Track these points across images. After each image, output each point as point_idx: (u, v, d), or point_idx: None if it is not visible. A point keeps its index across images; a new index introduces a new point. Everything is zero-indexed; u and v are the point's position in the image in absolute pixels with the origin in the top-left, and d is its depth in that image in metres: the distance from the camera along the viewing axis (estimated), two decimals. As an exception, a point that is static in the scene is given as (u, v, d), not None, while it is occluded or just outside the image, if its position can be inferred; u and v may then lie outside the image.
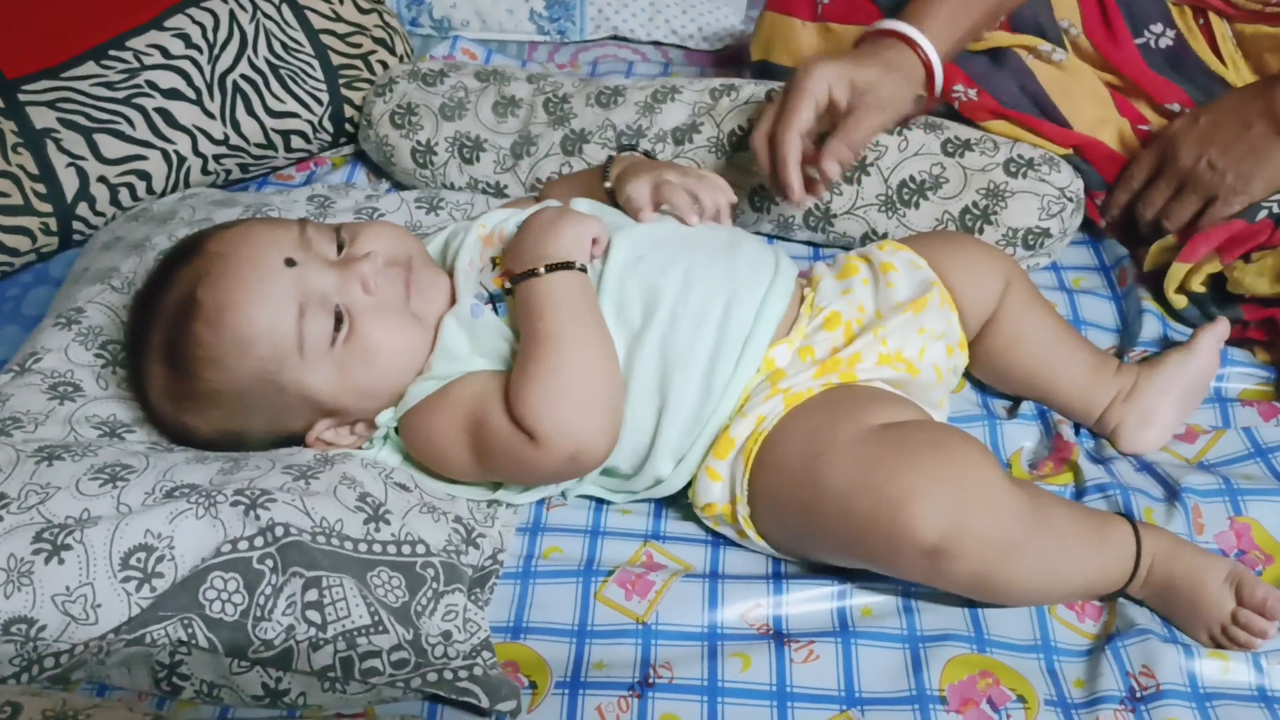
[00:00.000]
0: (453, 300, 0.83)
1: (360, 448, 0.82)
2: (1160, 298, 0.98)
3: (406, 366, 0.80)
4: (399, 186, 1.18)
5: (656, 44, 1.44)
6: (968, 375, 0.93)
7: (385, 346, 0.78)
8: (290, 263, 0.77)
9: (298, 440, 0.81)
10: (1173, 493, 0.82)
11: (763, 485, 0.76)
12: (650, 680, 0.71)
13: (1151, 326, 0.96)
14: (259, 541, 0.71)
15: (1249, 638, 0.72)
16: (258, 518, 0.71)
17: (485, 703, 0.69)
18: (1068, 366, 0.88)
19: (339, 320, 0.77)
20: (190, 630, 0.69)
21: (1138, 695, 0.70)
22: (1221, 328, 0.89)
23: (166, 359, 0.78)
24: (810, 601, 0.76)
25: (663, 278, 0.79)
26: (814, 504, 0.73)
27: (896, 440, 0.72)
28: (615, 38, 1.45)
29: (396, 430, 0.82)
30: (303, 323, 0.76)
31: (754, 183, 1.05)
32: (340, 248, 0.81)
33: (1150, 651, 0.71)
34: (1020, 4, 1.05)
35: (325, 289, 0.78)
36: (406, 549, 0.75)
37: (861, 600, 0.76)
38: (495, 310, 0.80)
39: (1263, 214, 0.93)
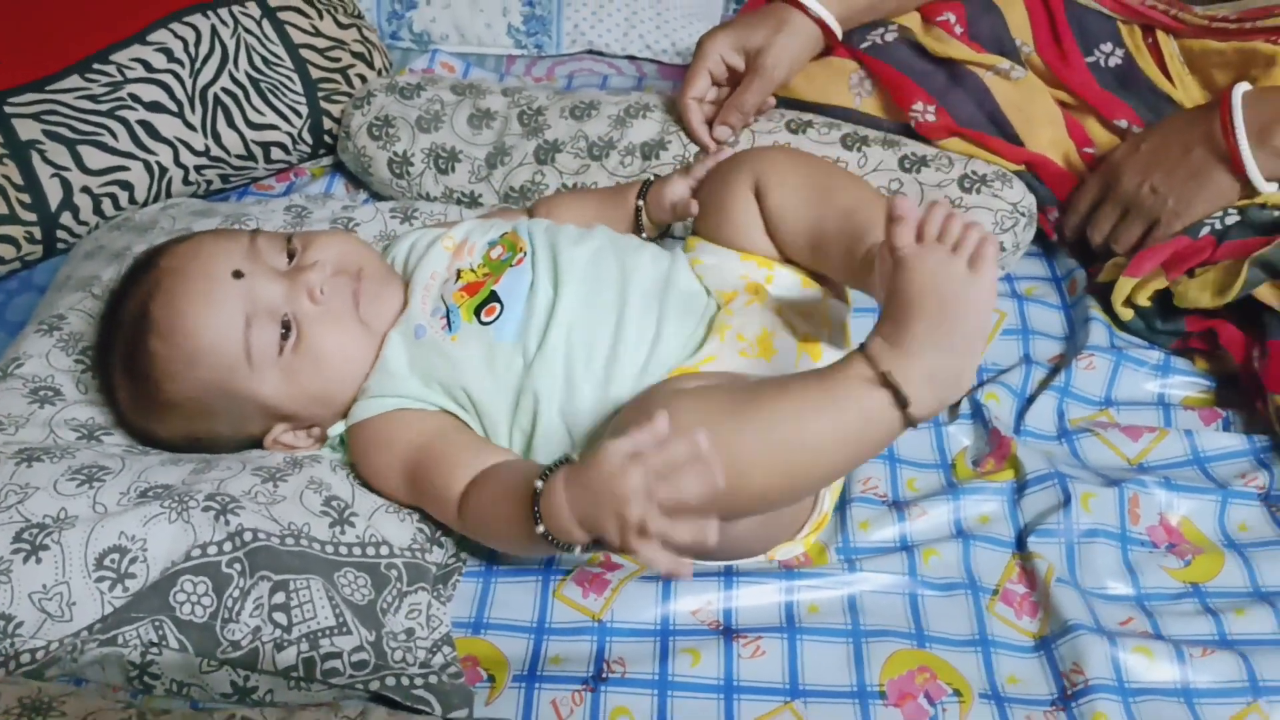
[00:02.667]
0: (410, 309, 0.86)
1: (320, 449, 0.86)
2: (1109, 308, 1.01)
3: (355, 372, 0.83)
4: (377, 197, 1.21)
5: (631, 58, 1.47)
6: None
7: (333, 353, 0.82)
8: (238, 275, 0.81)
9: (259, 443, 0.85)
10: (1112, 482, 0.86)
11: None
12: (604, 675, 0.74)
13: (1098, 334, 0.99)
14: (228, 546, 0.74)
15: None
16: (227, 523, 0.74)
17: (437, 710, 0.71)
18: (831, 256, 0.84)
19: (287, 329, 0.81)
20: (161, 632, 0.72)
21: (1068, 693, 0.73)
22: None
23: (127, 371, 0.82)
24: (759, 597, 0.79)
25: (600, 328, 0.81)
26: None
27: None
28: (591, 52, 1.48)
29: (345, 439, 0.85)
30: (249, 333, 0.80)
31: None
32: (292, 256, 0.84)
33: (1079, 648, 0.74)
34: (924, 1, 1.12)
35: (273, 299, 0.81)
36: (371, 550, 0.78)
37: (809, 596, 0.80)
38: (449, 324, 0.83)
39: (1205, 230, 0.97)
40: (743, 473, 0.65)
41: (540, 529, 0.67)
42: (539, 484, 0.68)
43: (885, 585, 0.80)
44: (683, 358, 0.81)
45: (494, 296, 0.84)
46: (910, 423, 0.68)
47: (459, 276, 0.86)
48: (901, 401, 0.66)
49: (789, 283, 0.87)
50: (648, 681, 0.74)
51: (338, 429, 0.85)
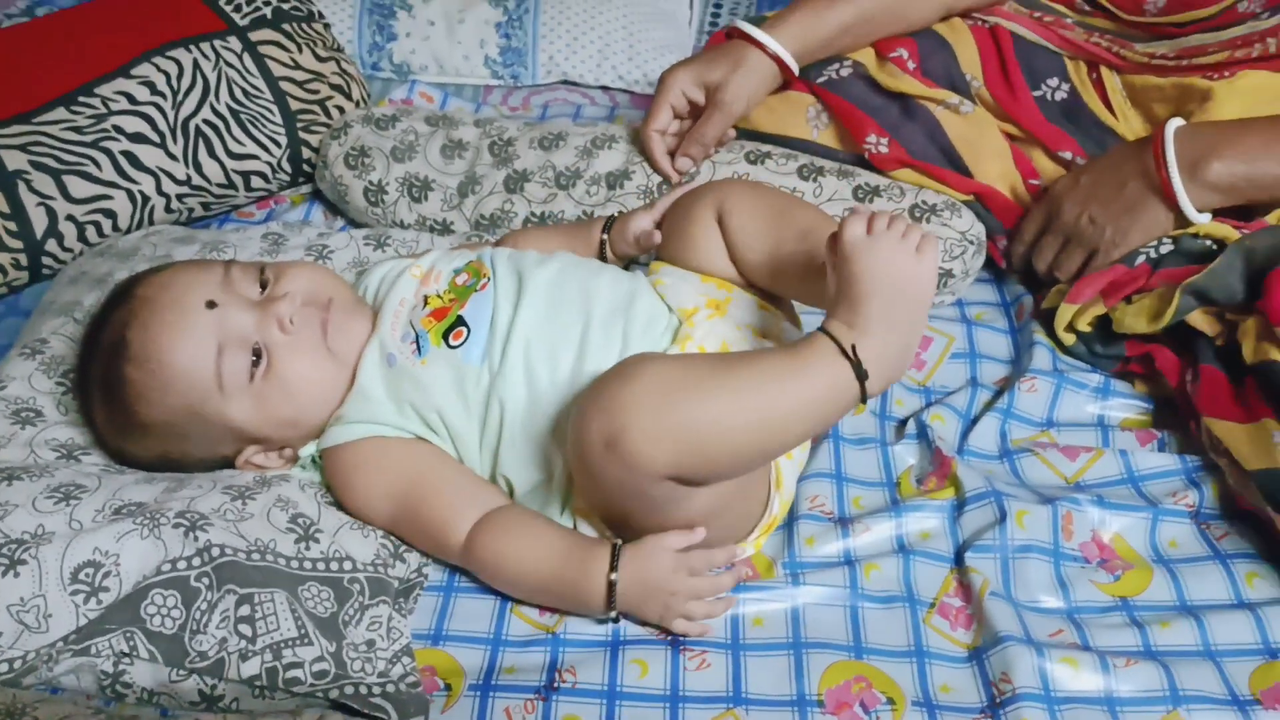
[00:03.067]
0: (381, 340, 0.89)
1: (291, 469, 0.89)
2: (1054, 333, 1.05)
3: (324, 398, 0.87)
4: (354, 224, 1.25)
5: (604, 88, 1.52)
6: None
7: (301, 380, 0.86)
8: (211, 304, 0.85)
9: (230, 463, 0.88)
10: (1047, 500, 0.90)
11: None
12: (555, 684, 0.78)
13: (1042, 358, 1.03)
14: (196, 561, 0.77)
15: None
16: (196, 539, 0.78)
17: (394, 717, 0.75)
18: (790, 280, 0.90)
19: (257, 356, 0.85)
20: (132, 642, 0.75)
21: (997, 701, 0.77)
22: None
23: (104, 395, 0.86)
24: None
25: (563, 343, 0.86)
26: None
27: None
28: (565, 82, 1.53)
29: (316, 460, 0.89)
30: (221, 360, 0.84)
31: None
32: (264, 287, 0.88)
33: (1008, 658, 0.78)
34: (885, 37, 1.16)
35: (244, 328, 0.85)
36: (335, 565, 0.82)
37: (754, 609, 0.83)
38: (418, 349, 0.87)
39: (1140, 259, 1.01)
40: (718, 433, 0.72)
41: (613, 614, 0.81)
42: (613, 576, 0.79)
43: (827, 598, 0.84)
44: None
45: (461, 321, 0.88)
46: (864, 397, 0.75)
47: (426, 303, 0.90)
48: (861, 375, 0.74)
49: (746, 304, 0.91)
50: (597, 691, 0.78)
51: (308, 450, 0.89)
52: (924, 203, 1.09)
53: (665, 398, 0.71)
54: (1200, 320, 0.96)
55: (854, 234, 0.75)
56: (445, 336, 0.87)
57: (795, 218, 0.90)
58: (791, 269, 0.88)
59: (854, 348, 0.74)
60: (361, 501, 0.86)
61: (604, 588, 0.79)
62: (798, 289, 0.90)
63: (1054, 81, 1.14)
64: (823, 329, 0.76)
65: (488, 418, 0.85)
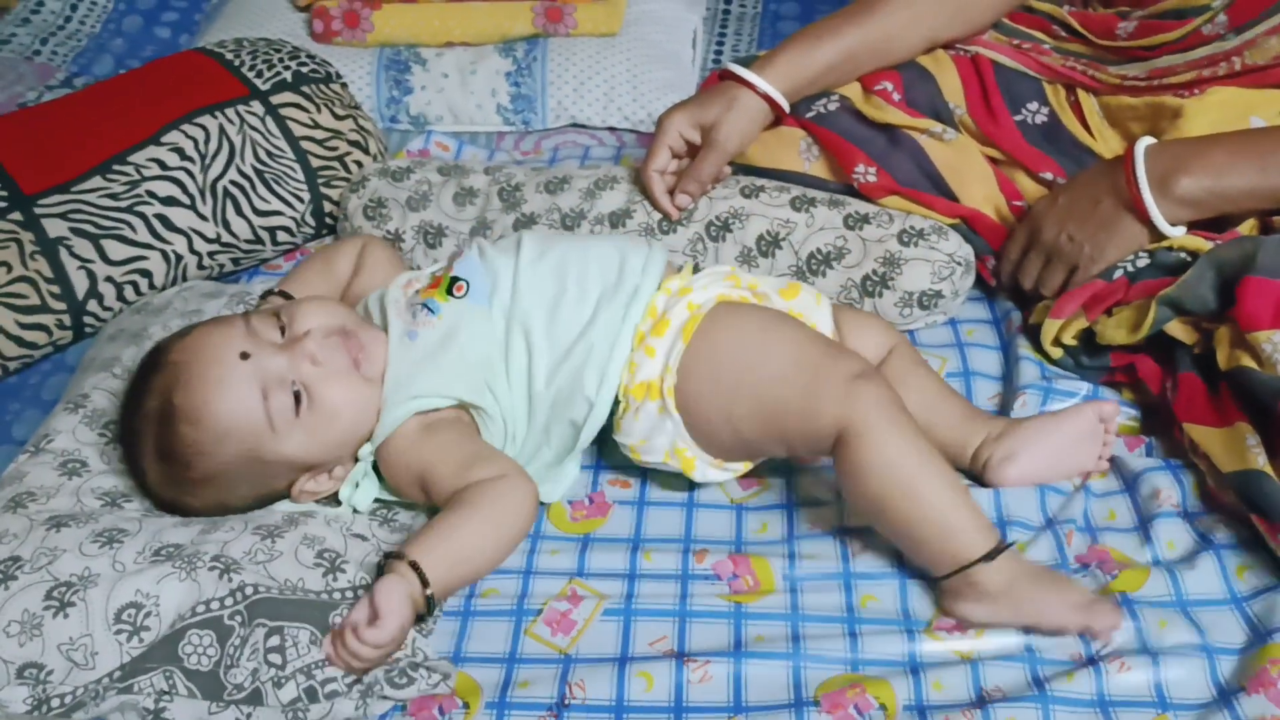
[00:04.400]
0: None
1: (340, 488, 0.97)
2: (1041, 347, 1.09)
3: (366, 415, 0.95)
4: (374, 271, 1.32)
5: (611, 129, 1.58)
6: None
7: (343, 405, 0.93)
8: (245, 355, 0.91)
9: (282, 496, 0.96)
10: (1048, 522, 0.94)
11: (697, 358, 0.93)
12: (566, 700, 0.83)
13: (1030, 371, 1.07)
14: (229, 601, 0.83)
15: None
16: (230, 580, 0.84)
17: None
18: (944, 417, 0.99)
19: (298, 393, 0.91)
20: (171, 680, 0.81)
21: (987, 700, 0.81)
22: (1108, 407, 0.97)
23: (160, 457, 0.92)
24: (710, 626, 0.88)
25: (565, 263, 1.00)
26: (748, 375, 0.91)
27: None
28: (574, 125, 1.59)
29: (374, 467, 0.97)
30: (268, 404, 0.90)
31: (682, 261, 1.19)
32: (284, 330, 0.95)
33: (1001, 668, 0.82)
34: (870, 71, 1.21)
35: (280, 370, 0.92)
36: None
37: (755, 630, 0.88)
38: (430, 312, 0.97)
39: (1118, 273, 1.05)
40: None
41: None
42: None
43: (825, 615, 0.88)
44: (655, 271, 1.00)
45: (456, 279, 0.99)
46: None
47: (419, 292, 1.01)
48: None
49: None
50: (606, 706, 0.82)
51: (365, 450, 0.96)
52: (911, 228, 1.14)
53: (900, 449, 0.86)
54: (1178, 330, 1.00)
55: None
56: (449, 292, 0.98)
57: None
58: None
59: None
60: (402, 489, 0.96)
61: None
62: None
63: (1033, 105, 1.19)
64: None
65: (510, 344, 0.96)
